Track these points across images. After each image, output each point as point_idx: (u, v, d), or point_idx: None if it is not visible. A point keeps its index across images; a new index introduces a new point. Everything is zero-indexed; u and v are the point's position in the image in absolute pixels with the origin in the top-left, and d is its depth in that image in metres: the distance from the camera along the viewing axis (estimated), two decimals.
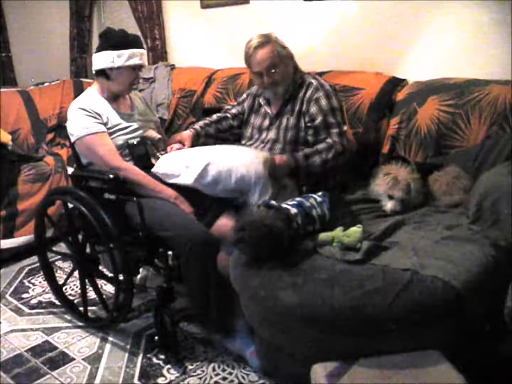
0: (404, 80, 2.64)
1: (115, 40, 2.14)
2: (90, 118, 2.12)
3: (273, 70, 2.17)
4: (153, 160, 2.21)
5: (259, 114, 2.37)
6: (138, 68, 2.19)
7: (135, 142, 2.18)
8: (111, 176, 2.04)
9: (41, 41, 4.46)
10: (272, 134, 2.29)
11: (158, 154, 2.25)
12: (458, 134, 2.22)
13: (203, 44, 3.78)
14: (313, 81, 2.24)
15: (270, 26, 3.27)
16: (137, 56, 2.15)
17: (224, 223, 2.01)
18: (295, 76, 2.26)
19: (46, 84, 3.79)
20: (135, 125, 2.22)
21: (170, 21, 4.01)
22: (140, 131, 2.23)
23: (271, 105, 2.33)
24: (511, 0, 2.30)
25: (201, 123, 2.46)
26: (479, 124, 2.17)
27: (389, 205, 2.08)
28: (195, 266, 1.95)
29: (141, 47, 2.19)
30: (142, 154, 2.19)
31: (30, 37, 4.37)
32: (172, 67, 3.87)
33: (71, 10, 4.47)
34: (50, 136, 3.60)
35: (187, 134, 2.37)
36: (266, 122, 2.33)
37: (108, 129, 2.15)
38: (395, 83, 2.61)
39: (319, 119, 2.17)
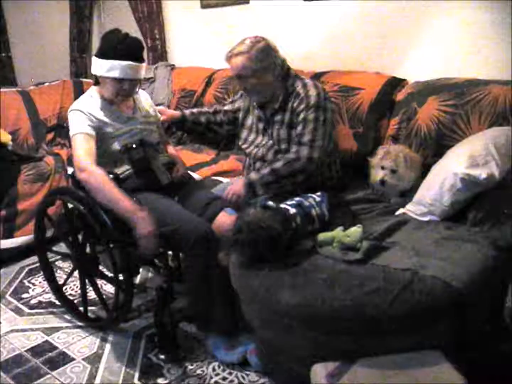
0: (404, 80, 2.64)
1: (102, 48, 2.12)
2: (83, 120, 2.10)
3: (242, 80, 2.19)
4: (152, 163, 2.18)
5: (253, 115, 2.36)
6: (124, 80, 2.09)
7: (134, 145, 2.15)
8: (110, 176, 2.04)
9: (41, 41, 4.46)
10: (265, 140, 2.29)
11: (159, 156, 2.24)
12: (458, 134, 2.22)
13: (203, 44, 3.78)
14: (301, 91, 2.17)
15: (270, 26, 3.29)
16: (118, 68, 2.04)
17: (222, 221, 2.03)
18: (286, 84, 2.21)
19: (46, 84, 3.79)
20: (135, 128, 2.21)
21: (170, 21, 4.01)
22: (140, 134, 2.21)
23: (264, 108, 2.29)
24: (511, 0, 2.30)
25: (196, 110, 2.52)
26: (479, 124, 2.17)
27: (380, 175, 2.13)
28: (198, 260, 1.94)
29: (129, 59, 2.05)
30: (141, 157, 2.16)
31: (30, 37, 4.37)
32: (172, 67, 3.87)
33: (71, 10, 4.48)
34: (50, 136, 3.60)
35: (171, 111, 2.43)
36: (260, 126, 2.32)
37: (107, 133, 2.13)
38: (395, 83, 2.61)
39: (297, 131, 2.16)
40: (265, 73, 2.15)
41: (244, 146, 2.38)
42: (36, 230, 2.39)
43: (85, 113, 2.11)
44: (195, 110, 2.54)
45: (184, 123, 2.48)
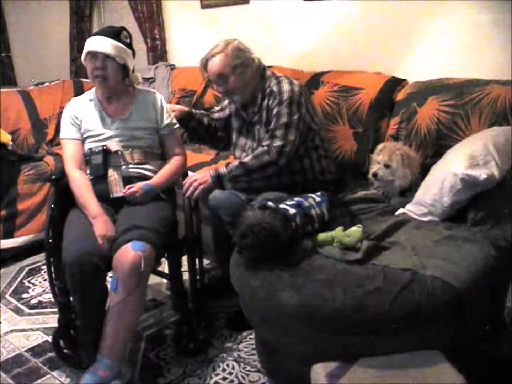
0: (404, 80, 2.64)
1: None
2: (69, 123, 2.13)
3: (223, 80, 2.20)
4: (110, 171, 2.07)
5: (238, 118, 2.37)
6: (95, 56, 2.03)
7: (96, 150, 2.10)
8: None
9: (41, 41, 4.47)
10: (249, 142, 2.30)
11: (126, 168, 2.09)
12: (458, 134, 2.22)
13: (203, 44, 3.74)
14: (274, 88, 2.18)
15: (270, 26, 3.29)
16: (90, 43, 2.05)
17: (119, 254, 1.82)
18: (263, 85, 2.22)
19: (46, 84, 3.79)
20: (108, 133, 2.12)
21: (170, 21, 4.01)
22: (112, 139, 2.11)
23: (247, 109, 2.30)
24: (511, 0, 2.30)
25: (198, 111, 2.50)
26: (479, 124, 2.17)
27: (373, 169, 2.17)
28: (73, 292, 1.87)
29: (102, 34, 2.06)
30: (98, 163, 2.09)
31: (30, 37, 4.37)
32: (172, 67, 3.87)
33: (71, 10, 4.49)
34: (50, 136, 3.60)
35: (180, 106, 2.45)
36: (245, 128, 2.33)
37: (81, 133, 2.14)
38: (395, 83, 2.61)
39: (271, 126, 2.15)
40: (244, 68, 2.19)
41: (233, 151, 2.39)
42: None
43: (69, 114, 2.14)
44: (197, 111, 2.49)
45: (190, 121, 2.41)
